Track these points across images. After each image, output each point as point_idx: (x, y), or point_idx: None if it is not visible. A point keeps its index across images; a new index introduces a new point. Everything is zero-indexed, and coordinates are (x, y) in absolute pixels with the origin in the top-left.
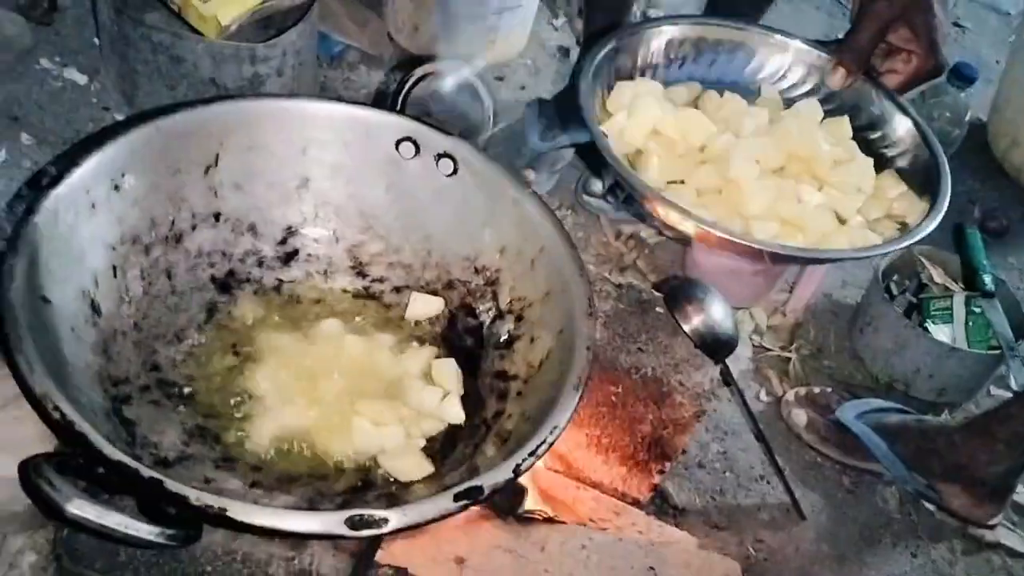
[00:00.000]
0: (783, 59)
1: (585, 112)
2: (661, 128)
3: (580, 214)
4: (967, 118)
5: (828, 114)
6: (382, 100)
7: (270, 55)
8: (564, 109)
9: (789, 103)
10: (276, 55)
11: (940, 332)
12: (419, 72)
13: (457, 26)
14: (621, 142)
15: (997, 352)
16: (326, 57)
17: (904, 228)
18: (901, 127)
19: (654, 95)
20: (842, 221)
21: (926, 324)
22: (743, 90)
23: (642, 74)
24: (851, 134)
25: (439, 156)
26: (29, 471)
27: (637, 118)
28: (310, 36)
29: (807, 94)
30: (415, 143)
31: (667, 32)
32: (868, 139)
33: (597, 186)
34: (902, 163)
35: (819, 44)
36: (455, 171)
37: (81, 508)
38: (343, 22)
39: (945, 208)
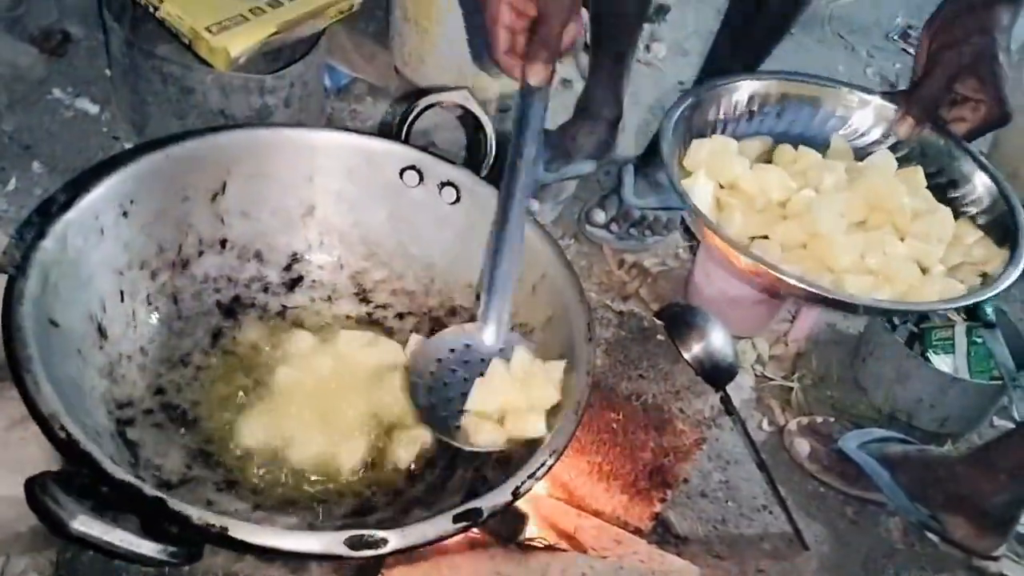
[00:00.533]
0: (851, 111)
1: (668, 171)
2: (740, 184)
3: (583, 243)
4: None
5: (898, 163)
6: (387, 131)
7: (278, 86)
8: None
9: (858, 153)
10: (284, 86)
11: (942, 362)
12: (423, 103)
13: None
14: (701, 200)
15: (999, 382)
16: (333, 89)
17: (984, 274)
18: (974, 175)
19: (730, 152)
20: (924, 270)
21: (928, 354)
22: (813, 142)
23: (715, 130)
24: (925, 183)
25: (442, 184)
26: (35, 488)
27: (716, 175)
28: (318, 68)
29: (875, 144)
30: (419, 172)
31: (741, 88)
32: (939, 186)
33: (600, 216)
34: (973, 209)
35: (886, 95)
36: (458, 199)
37: (86, 524)
38: (350, 55)
39: None
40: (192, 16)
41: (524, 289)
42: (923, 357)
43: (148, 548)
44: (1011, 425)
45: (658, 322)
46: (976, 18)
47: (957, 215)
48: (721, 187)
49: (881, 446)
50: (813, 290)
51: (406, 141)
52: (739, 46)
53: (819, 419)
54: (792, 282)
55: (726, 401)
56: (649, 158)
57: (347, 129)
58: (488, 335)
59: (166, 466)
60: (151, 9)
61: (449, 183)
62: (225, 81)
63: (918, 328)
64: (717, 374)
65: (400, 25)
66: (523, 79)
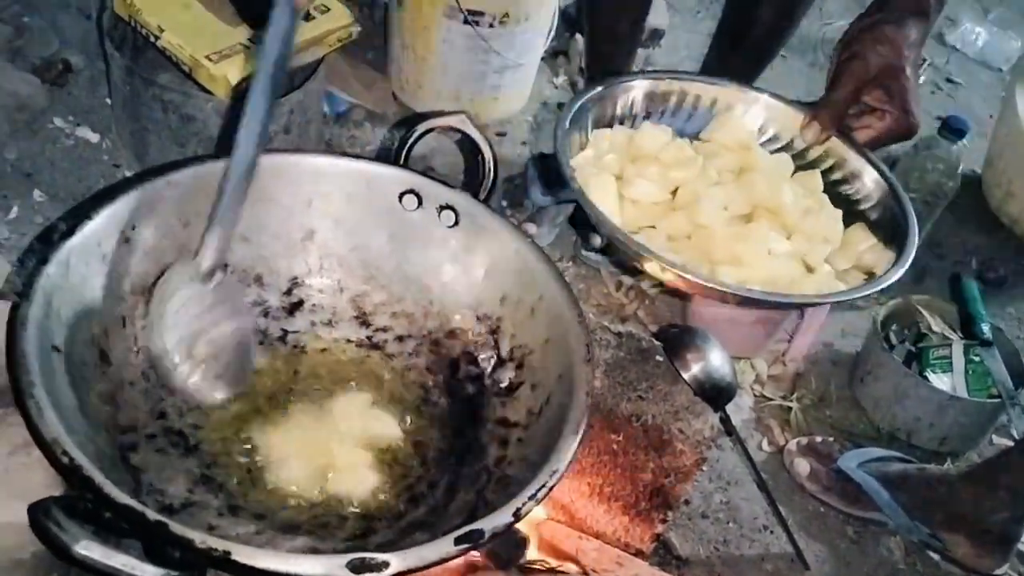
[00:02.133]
0: (759, 114)
1: (560, 155)
2: (633, 175)
3: (581, 266)
4: (960, 170)
5: (803, 168)
6: (386, 156)
7: (277, 113)
8: (543, 167)
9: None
10: (283, 113)
11: (940, 381)
12: (421, 127)
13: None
14: (600, 190)
15: (997, 400)
16: (332, 115)
17: (871, 275)
18: (871, 180)
19: (628, 143)
20: (810, 270)
21: (926, 373)
22: None
23: (620, 123)
24: (822, 187)
25: (441, 208)
26: (38, 513)
27: (612, 166)
28: (317, 95)
29: (781, 149)
30: (417, 195)
31: (645, 85)
32: (843, 194)
33: (596, 240)
34: (874, 216)
35: (794, 102)
36: (456, 222)
37: (88, 548)
38: (349, 82)
39: (911, 258)
40: (192, 45)
41: (522, 311)
42: (921, 376)
43: (151, 572)
44: (1010, 443)
45: (656, 343)
46: (884, 32)
47: (854, 221)
48: (618, 178)
49: (881, 465)
50: (688, 277)
51: (405, 165)
52: (728, 67)
53: (818, 439)
54: (667, 270)
55: (725, 421)
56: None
57: (346, 154)
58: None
59: (168, 491)
60: (151, 39)
61: (448, 206)
62: (225, 108)
63: (916, 347)
64: (716, 394)
65: (398, 53)
66: None
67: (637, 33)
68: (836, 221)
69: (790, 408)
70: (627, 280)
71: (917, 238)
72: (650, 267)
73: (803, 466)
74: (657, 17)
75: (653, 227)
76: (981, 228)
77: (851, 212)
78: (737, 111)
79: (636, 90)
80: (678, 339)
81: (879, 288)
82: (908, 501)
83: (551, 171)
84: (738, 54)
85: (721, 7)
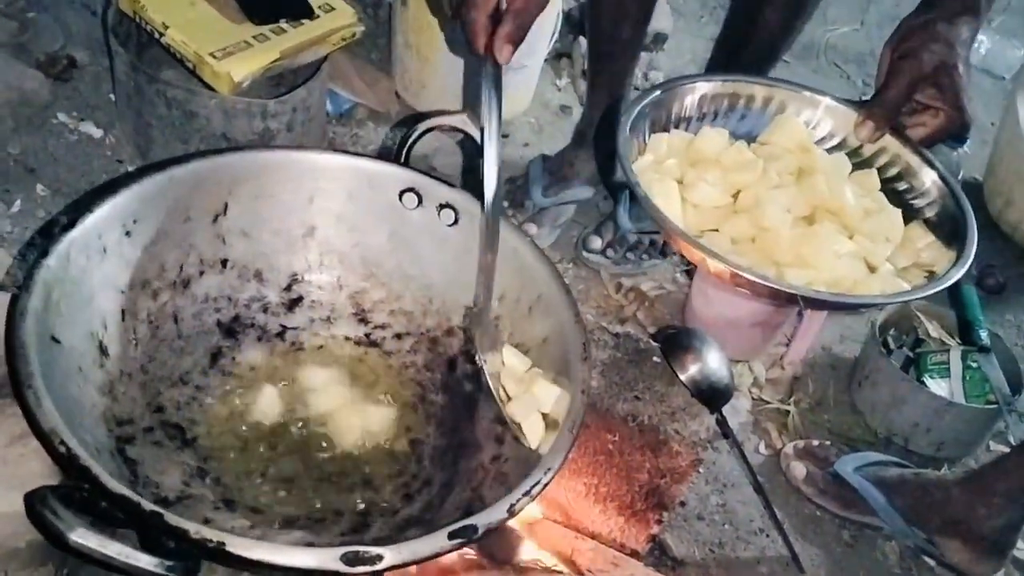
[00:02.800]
0: (813, 113)
1: (623, 160)
2: (694, 179)
3: (581, 268)
4: (960, 176)
5: (858, 166)
6: (387, 154)
7: (280, 111)
8: (602, 157)
9: None
10: (286, 111)
11: (937, 386)
12: (423, 126)
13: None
14: (661, 193)
15: (994, 407)
16: (335, 114)
17: (932, 276)
18: (928, 179)
19: (688, 146)
20: (872, 269)
21: (923, 378)
22: None
23: (676, 127)
24: (879, 186)
25: (441, 206)
26: (35, 501)
27: (673, 171)
28: (320, 93)
29: (836, 148)
30: (418, 194)
31: (701, 88)
32: (897, 191)
33: (596, 242)
34: (930, 214)
35: (848, 101)
36: (456, 221)
37: (84, 537)
38: (352, 81)
39: (972, 257)
40: (196, 42)
41: (520, 310)
42: (919, 381)
43: (146, 562)
44: (1007, 449)
45: (654, 344)
46: (936, 31)
47: (911, 218)
48: (679, 182)
49: (877, 470)
50: (755, 279)
51: (406, 164)
52: (730, 72)
53: (815, 443)
54: (735, 271)
55: (722, 423)
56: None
57: (347, 152)
58: None
59: (164, 483)
60: (156, 35)
61: (447, 205)
62: (228, 105)
63: (914, 353)
64: (713, 396)
65: (401, 52)
66: (491, 58)
67: (639, 37)
68: (896, 220)
69: (788, 412)
70: (626, 282)
71: (976, 235)
72: (717, 269)
73: (800, 470)
74: (660, 21)
75: (716, 230)
76: (981, 235)
77: (907, 209)
78: (791, 111)
79: (692, 93)
80: (675, 340)
81: (943, 286)
82: (904, 506)
83: (552, 173)
84: (742, 58)
85: (724, 12)
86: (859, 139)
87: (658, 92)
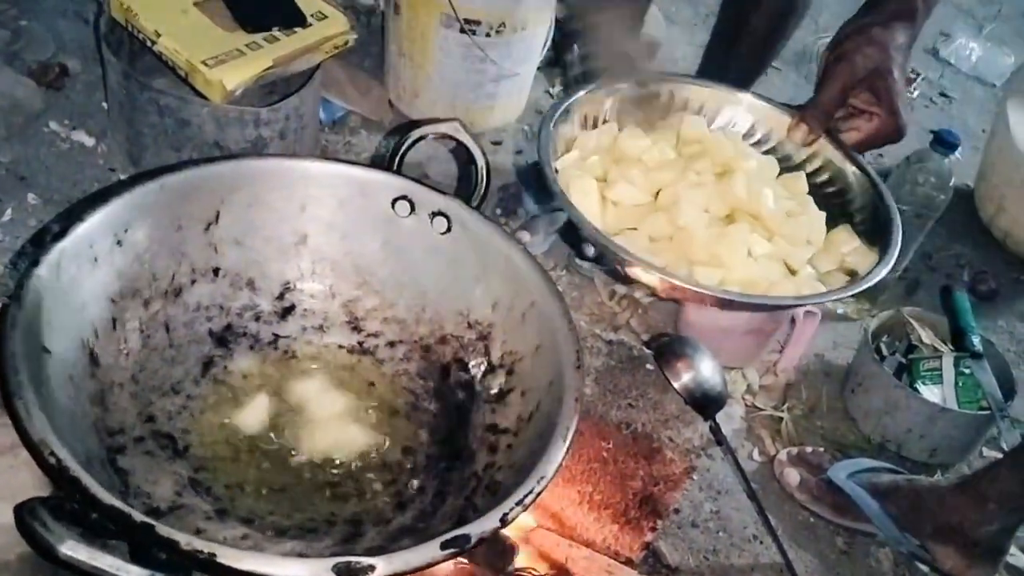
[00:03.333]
0: (748, 117)
1: (542, 157)
2: (615, 178)
3: (574, 275)
4: (951, 183)
5: (789, 170)
6: (380, 162)
7: (273, 119)
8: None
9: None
10: (279, 119)
11: (930, 393)
12: (415, 134)
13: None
14: (582, 193)
15: (987, 413)
16: (328, 122)
17: (853, 274)
18: (856, 182)
19: (614, 142)
20: (793, 272)
21: (916, 385)
22: None
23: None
24: (807, 189)
25: (433, 214)
26: (24, 513)
27: (595, 168)
28: (313, 101)
29: (770, 151)
30: (410, 202)
31: (633, 87)
32: (828, 195)
33: (589, 250)
34: (859, 217)
35: (783, 104)
36: (449, 229)
37: (74, 549)
38: (345, 89)
39: (893, 260)
40: (189, 50)
41: (513, 317)
42: (912, 388)
43: (136, 574)
44: (1000, 455)
45: (647, 351)
46: (871, 35)
47: (839, 222)
48: (602, 180)
49: (871, 476)
50: (666, 279)
51: (398, 172)
52: (721, 77)
53: (809, 449)
54: (646, 272)
55: (716, 430)
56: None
57: (340, 160)
58: None
59: (156, 494)
60: (148, 43)
61: (440, 213)
62: (221, 113)
63: (906, 359)
64: (706, 403)
65: (395, 60)
66: None
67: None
68: (819, 223)
69: (781, 418)
70: (620, 289)
71: (900, 239)
72: (630, 269)
73: (793, 476)
74: (653, 28)
75: (635, 229)
76: (973, 241)
77: (837, 214)
78: (726, 113)
79: (624, 92)
80: (669, 348)
81: (859, 289)
82: (898, 512)
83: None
84: (731, 63)
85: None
86: (793, 142)
87: (587, 90)
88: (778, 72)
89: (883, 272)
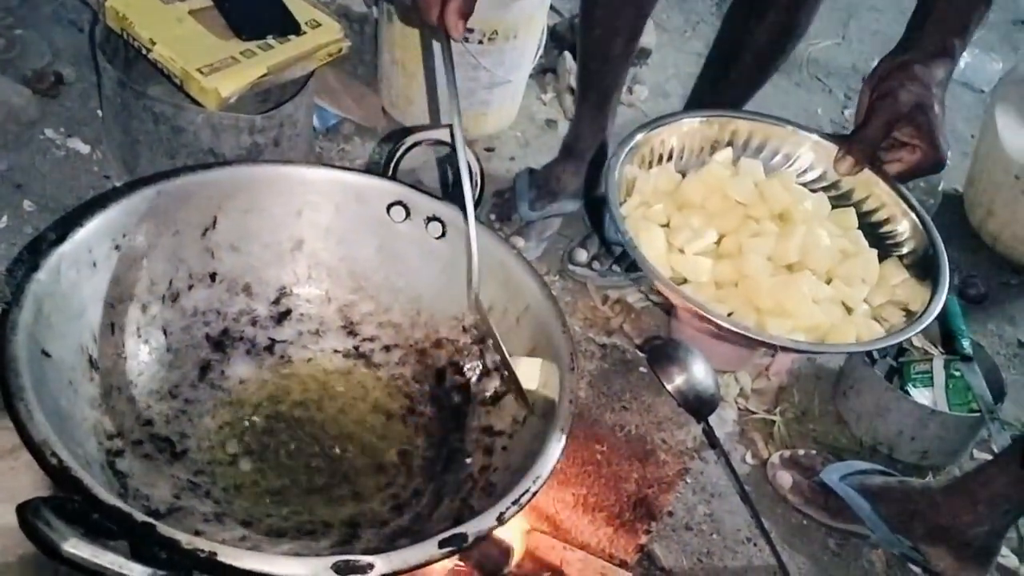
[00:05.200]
0: (795, 148)
1: (611, 204)
2: (678, 224)
3: (568, 280)
4: (940, 188)
5: (836, 200)
6: (375, 169)
7: (268, 126)
8: (591, 208)
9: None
10: (274, 126)
11: (921, 395)
12: (410, 140)
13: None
14: (647, 238)
15: (977, 415)
16: (322, 129)
17: (907, 311)
18: (901, 213)
19: (674, 185)
20: (848, 311)
21: (907, 387)
22: None
23: (660, 163)
24: (857, 224)
25: (428, 219)
26: (27, 512)
27: (659, 215)
28: (307, 108)
29: (815, 181)
30: (405, 207)
31: (687, 124)
32: (872, 224)
33: (582, 255)
34: (905, 249)
35: (829, 136)
36: (444, 234)
37: (76, 547)
38: (339, 96)
39: (944, 296)
40: (184, 58)
41: (508, 321)
42: (903, 391)
43: (138, 572)
44: (990, 457)
45: (640, 355)
46: (913, 72)
47: (886, 254)
48: (664, 226)
49: (863, 478)
50: (736, 330)
51: (393, 178)
52: (719, 90)
53: (801, 452)
54: (718, 321)
55: (709, 433)
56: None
57: (335, 166)
58: None
59: (155, 496)
60: (143, 51)
61: (435, 218)
62: (215, 121)
63: (897, 362)
64: (699, 405)
65: (388, 68)
66: (444, 30)
67: (629, 53)
68: (872, 261)
69: (773, 421)
70: (613, 294)
71: (948, 272)
72: (698, 318)
73: (786, 479)
74: (645, 36)
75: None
76: (962, 245)
77: (882, 244)
78: (775, 147)
79: (678, 130)
80: (662, 351)
81: (918, 330)
82: (889, 514)
83: (599, 215)
84: (730, 77)
85: (708, 28)
86: (839, 173)
87: (644, 131)
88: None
89: (939, 307)
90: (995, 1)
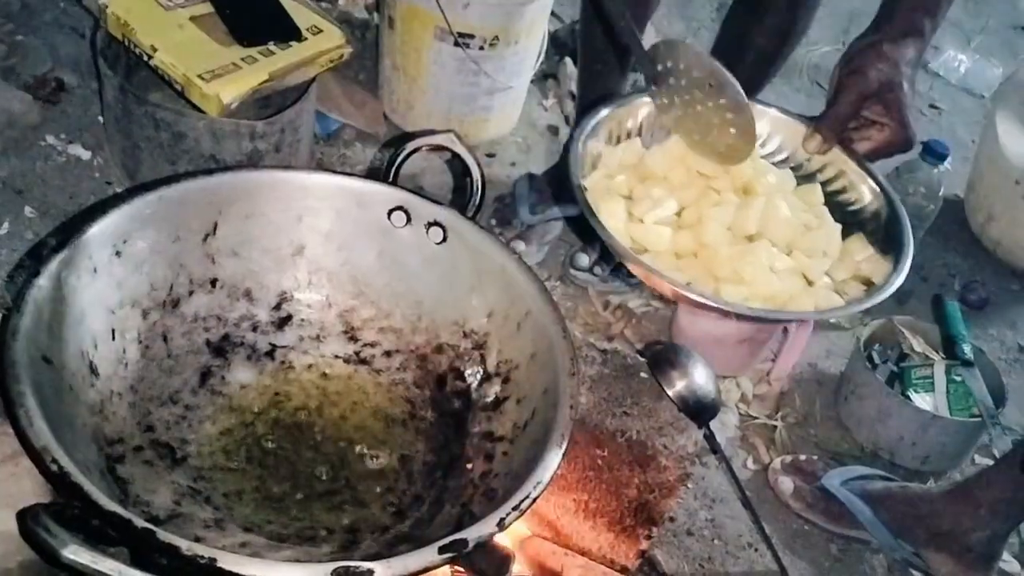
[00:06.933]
0: (762, 127)
1: (573, 177)
2: (640, 196)
3: (569, 285)
4: (941, 193)
5: (803, 180)
6: (376, 174)
7: (269, 132)
8: (556, 182)
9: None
10: (275, 132)
11: (922, 400)
12: (411, 145)
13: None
14: (610, 209)
15: (978, 420)
16: (323, 134)
17: (870, 287)
18: (868, 190)
19: (639, 159)
20: (810, 283)
21: (908, 393)
22: None
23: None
24: (822, 200)
25: (429, 224)
26: (27, 518)
27: (621, 187)
28: (308, 114)
29: (784, 161)
30: (406, 212)
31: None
32: (840, 203)
33: (584, 260)
34: (871, 225)
35: (799, 115)
36: (444, 239)
37: (76, 553)
38: (340, 102)
39: (907, 269)
40: (185, 64)
41: (509, 327)
42: (904, 396)
43: None
44: (991, 462)
45: (641, 359)
46: (883, 51)
47: (852, 231)
48: (627, 197)
49: (864, 483)
50: (691, 296)
51: (394, 183)
52: None
53: (803, 457)
54: (674, 288)
55: (710, 438)
56: (557, 174)
57: (336, 171)
58: None
59: (155, 502)
60: (145, 58)
61: (436, 223)
62: (217, 127)
63: (898, 367)
64: (700, 410)
65: (389, 74)
66: None
67: (630, 57)
68: (835, 235)
69: (775, 427)
70: (614, 299)
71: (913, 247)
72: (658, 285)
73: (787, 484)
74: (645, 41)
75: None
76: (963, 251)
77: (849, 222)
78: None
79: (647, 106)
80: (663, 356)
81: (876, 301)
82: (891, 519)
83: (561, 187)
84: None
85: (709, 33)
86: (807, 151)
87: (611, 107)
88: (770, 84)
89: (899, 280)
90: (995, 7)
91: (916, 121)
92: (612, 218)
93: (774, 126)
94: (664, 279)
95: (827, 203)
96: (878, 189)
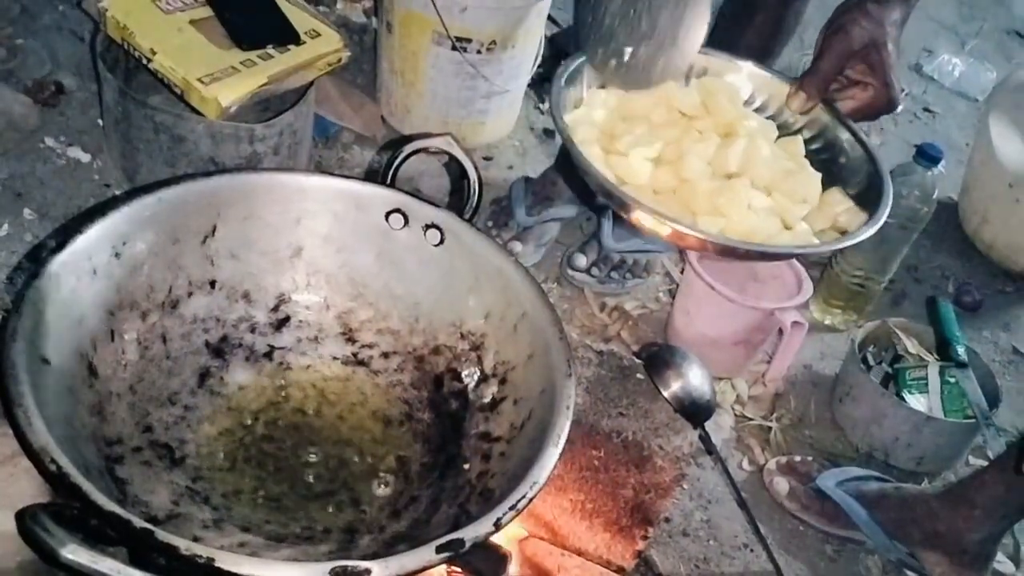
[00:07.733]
0: (748, 84)
1: (554, 110)
2: (622, 132)
3: (565, 287)
4: (935, 196)
5: (784, 131)
6: (373, 176)
7: (267, 135)
8: (551, 182)
9: None
10: (273, 135)
11: (916, 402)
12: (409, 148)
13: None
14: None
15: (972, 421)
16: (321, 137)
17: (844, 233)
18: (850, 147)
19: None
20: (788, 228)
21: (902, 394)
22: None
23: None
24: (803, 152)
25: (427, 227)
26: (26, 518)
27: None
28: (306, 117)
29: (768, 119)
30: (404, 214)
31: None
32: (822, 160)
33: (581, 261)
34: (852, 181)
35: (781, 74)
36: (442, 241)
37: (75, 553)
38: (338, 105)
39: (884, 217)
40: (184, 68)
41: (505, 328)
42: (898, 397)
43: None
44: (986, 463)
45: (637, 361)
46: (867, 9)
47: (832, 184)
48: (609, 135)
49: (859, 484)
50: (672, 225)
51: (392, 185)
52: None
53: (798, 458)
54: (653, 218)
55: (705, 439)
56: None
57: (334, 174)
58: None
59: (154, 503)
60: (144, 61)
61: (433, 225)
62: (216, 130)
63: (893, 369)
64: (695, 411)
65: (387, 77)
66: None
67: None
68: (815, 182)
69: (770, 428)
70: (610, 301)
71: (891, 202)
72: (636, 215)
73: (783, 485)
74: None
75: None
76: (957, 253)
77: (830, 178)
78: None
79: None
80: (659, 357)
81: (853, 242)
82: (886, 520)
83: (556, 185)
84: None
85: None
86: (791, 109)
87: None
88: None
89: (872, 229)
90: (989, 11)
91: (899, 81)
92: (593, 151)
93: (757, 84)
94: (645, 208)
95: (809, 159)
96: (859, 146)
